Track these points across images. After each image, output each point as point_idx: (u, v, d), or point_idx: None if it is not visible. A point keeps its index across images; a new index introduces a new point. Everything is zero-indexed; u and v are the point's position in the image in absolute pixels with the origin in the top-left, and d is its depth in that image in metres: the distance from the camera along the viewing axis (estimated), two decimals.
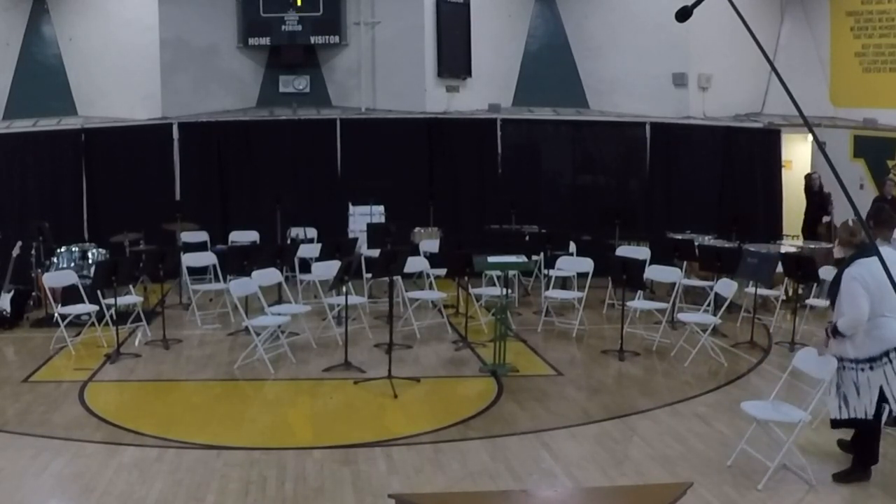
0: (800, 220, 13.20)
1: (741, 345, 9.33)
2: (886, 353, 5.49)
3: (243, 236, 11.97)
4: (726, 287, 8.92)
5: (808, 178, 13.10)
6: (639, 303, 10.02)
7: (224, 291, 10.22)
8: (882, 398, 5.56)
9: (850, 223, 5.97)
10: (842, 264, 5.86)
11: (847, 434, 6.14)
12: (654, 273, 10.07)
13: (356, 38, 13.71)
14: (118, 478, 5.80)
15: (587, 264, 10.33)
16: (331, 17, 13.61)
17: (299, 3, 13.39)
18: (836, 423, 5.82)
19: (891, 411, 6.52)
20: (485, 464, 6.10)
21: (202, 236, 11.75)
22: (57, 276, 9.91)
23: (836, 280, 5.71)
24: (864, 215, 7.52)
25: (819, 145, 6.64)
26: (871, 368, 5.53)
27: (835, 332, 5.60)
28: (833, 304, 5.78)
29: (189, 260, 10.64)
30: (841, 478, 5.78)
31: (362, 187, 12.31)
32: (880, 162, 12.90)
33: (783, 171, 13.76)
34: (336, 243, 10.32)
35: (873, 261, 5.31)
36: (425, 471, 5.97)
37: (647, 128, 13.71)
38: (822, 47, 14.15)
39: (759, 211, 13.35)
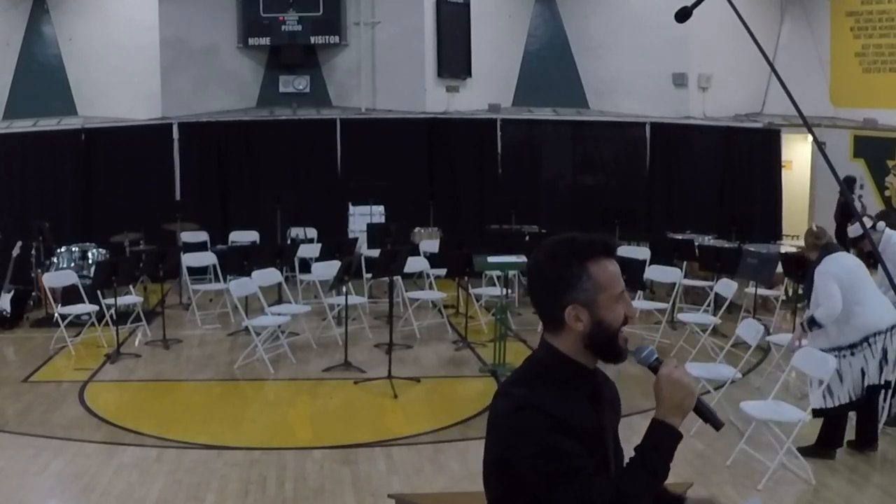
0: (799, 221, 13.18)
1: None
2: (866, 339, 5.92)
3: (243, 236, 11.95)
4: (726, 287, 8.91)
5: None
6: (639, 303, 9.99)
7: (224, 291, 10.21)
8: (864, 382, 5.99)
9: (815, 228, 6.46)
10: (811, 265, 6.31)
11: (850, 434, 6.22)
12: (654, 273, 10.06)
13: (356, 38, 13.70)
14: (118, 478, 5.80)
15: None
16: (331, 17, 13.59)
17: None
18: (818, 413, 6.07)
19: (891, 411, 6.57)
20: None
21: (202, 236, 11.74)
22: (57, 276, 9.90)
23: (810, 279, 6.19)
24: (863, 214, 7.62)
25: (819, 145, 6.63)
26: (853, 354, 5.95)
27: (811, 324, 6.02)
28: (809, 300, 6.24)
29: (189, 260, 10.63)
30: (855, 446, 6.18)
31: (362, 187, 12.29)
32: (880, 162, 12.88)
33: (783, 171, 13.75)
34: (336, 243, 10.32)
35: (840, 255, 6.10)
36: (425, 471, 5.98)
37: (647, 128, 13.69)
38: (822, 47, 14.13)
39: (759, 211, 13.35)
